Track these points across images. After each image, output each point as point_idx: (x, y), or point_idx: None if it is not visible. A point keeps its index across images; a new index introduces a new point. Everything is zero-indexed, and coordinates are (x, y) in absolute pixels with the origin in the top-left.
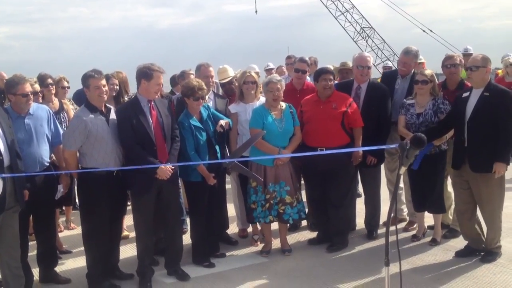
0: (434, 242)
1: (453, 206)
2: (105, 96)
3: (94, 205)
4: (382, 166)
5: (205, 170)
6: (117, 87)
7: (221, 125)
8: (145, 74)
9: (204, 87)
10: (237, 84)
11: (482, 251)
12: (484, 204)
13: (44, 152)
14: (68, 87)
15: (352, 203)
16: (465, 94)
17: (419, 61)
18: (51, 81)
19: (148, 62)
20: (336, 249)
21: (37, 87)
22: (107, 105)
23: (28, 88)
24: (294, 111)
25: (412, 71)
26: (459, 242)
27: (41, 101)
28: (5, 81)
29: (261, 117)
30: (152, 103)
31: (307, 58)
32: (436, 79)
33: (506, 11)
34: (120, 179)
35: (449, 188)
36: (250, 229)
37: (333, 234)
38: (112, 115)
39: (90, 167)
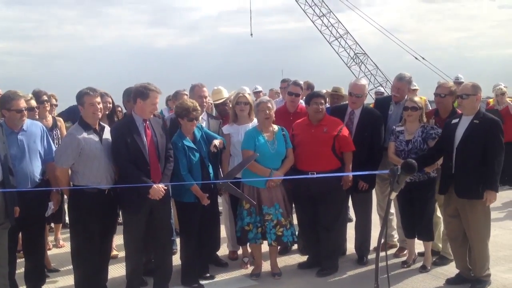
0: (424, 269)
1: (442, 232)
2: (99, 114)
3: (85, 223)
4: (374, 191)
5: (199, 191)
6: (110, 105)
7: (215, 145)
8: (141, 93)
9: (199, 108)
10: (230, 106)
11: (472, 280)
12: (471, 231)
13: (36, 169)
14: (56, 105)
15: (342, 228)
16: (454, 121)
17: (413, 88)
18: (46, 98)
19: (144, 81)
20: (326, 274)
21: (33, 103)
22: (101, 123)
23: (22, 104)
24: (286, 134)
25: (406, 97)
26: (449, 270)
27: (37, 117)
28: None
29: (253, 139)
30: (147, 122)
31: (301, 82)
32: (424, 106)
33: (498, 40)
34: (112, 198)
35: (438, 213)
36: (240, 251)
37: (323, 258)
38: (106, 134)
39: (82, 185)
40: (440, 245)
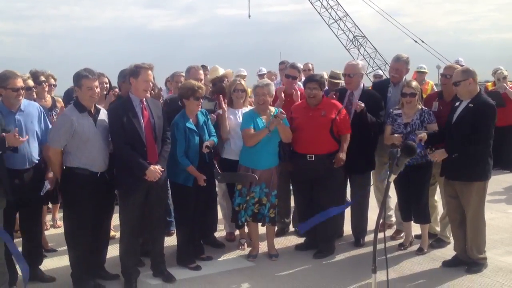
0: (420, 252)
1: (439, 216)
2: (96, 97)
3: (76, 205)
4: (372, 174)
5: (195, 171)
6: (107, 85)
7: (207, 146)
8: (132, 72)
9: (203, 86)
10: (227, 90)
11: (469, 262)
12: (469, 212)
13: (33, 149)
14: (55, 85)
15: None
16: (457, 104)
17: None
18: (44, 78)
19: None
20: (323, 256)
21: (30, 82)
22: (97, 106)
23: (19, 83)
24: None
25: (404, 78)
26: (446, 252)
27: (35, 96)
28: None
29: (252, 119)
30: (145, 103)
31: (298, 65)
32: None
33: (496, 24)
34: (106, 180)
35: (436, 196)
36: (237, 233)
37: (320, 241)
38: (101, 116)
39: (74, 166)
40: (438, 228)
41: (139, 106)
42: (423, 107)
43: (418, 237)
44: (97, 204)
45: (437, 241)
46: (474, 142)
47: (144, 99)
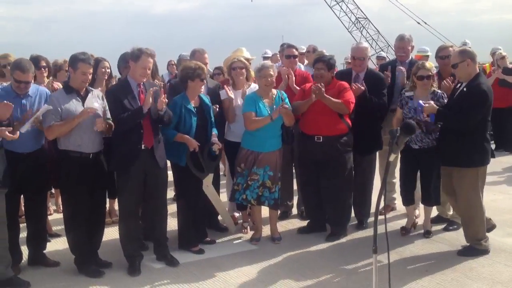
0: (428, 234)
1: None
2: (87, 83)
3: (70, 188)
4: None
5: (184, 136)
6: (108, 70)
7: (218, 144)
8: (133, 55)
9: (204, 67)
10: (226, 70)
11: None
12: (459, 197)
13: (36, 134)
14: (67, 70)
15: (348, 193)
16: (458, 85)
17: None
18: (44, 64)
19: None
20: (336, 239)
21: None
22: (89, 88)
23: (23, 77)
24: (285, 96)
25: (410, 56)
26: (450, 235)
27: (32, 81)
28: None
29: (254, 102)
30: (142, 86)
31: (300, 47)
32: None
33: (499, 5)
34: (98, 162)
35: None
36: (237, 215)
37: (333, 224)
38: (91, 98)
39: (65, 149)
40: (449, 212)
41: (137, 89)
42: (436, 89)
43: (433, 221)
44: (91, 187)
45: (451, 224)
46: (455, 121)
47: (141, 82)
